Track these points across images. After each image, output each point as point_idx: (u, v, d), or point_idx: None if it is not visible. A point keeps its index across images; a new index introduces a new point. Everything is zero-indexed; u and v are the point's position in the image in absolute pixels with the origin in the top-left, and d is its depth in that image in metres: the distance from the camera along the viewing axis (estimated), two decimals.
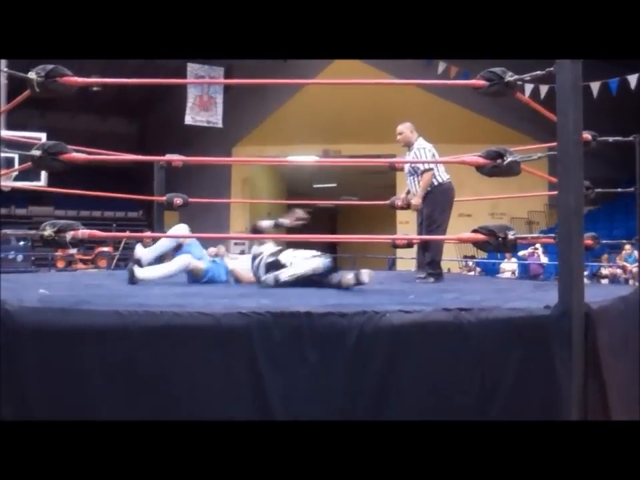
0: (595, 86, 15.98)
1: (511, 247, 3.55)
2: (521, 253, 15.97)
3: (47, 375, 2.93)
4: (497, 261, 16.96)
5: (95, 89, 23.28)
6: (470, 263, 18.01)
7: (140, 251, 5.97)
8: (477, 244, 3.58)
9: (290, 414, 2.96)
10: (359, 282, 4.66)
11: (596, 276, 15.64)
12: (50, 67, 3.71)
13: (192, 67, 21.58)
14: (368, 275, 4.70)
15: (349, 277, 4.72)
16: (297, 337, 3.04)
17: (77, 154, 3.79)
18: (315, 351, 3.02)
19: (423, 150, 6.61)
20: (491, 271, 17.44)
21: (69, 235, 3.53)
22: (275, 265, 5.23)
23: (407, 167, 6.92)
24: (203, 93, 22.27)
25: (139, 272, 5.44)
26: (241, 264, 5.93)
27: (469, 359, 3.08)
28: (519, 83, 3.72)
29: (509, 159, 3.58)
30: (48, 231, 3.52)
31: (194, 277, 5.73)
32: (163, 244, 6.10)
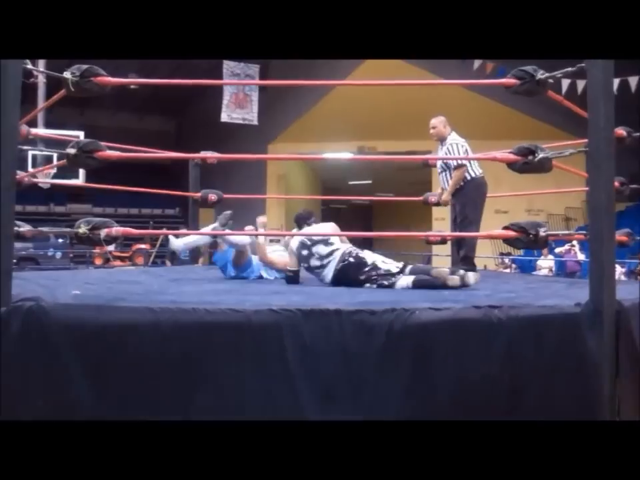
0: (634, 80, 15.77)
1: (542, 244, 3.54)
2: (557, 250, 15.86)
3: (81, 370, 2.97)
4: (534, 258, 16.84)
5: (132, 87, 23.48)
6: (506, 260, 17.90)
7: (175, 242, 6.14)
8: (508, 241, 3.58)
9: (319, 410, 2.98)
10: (464, 284, 4.65)
11: (634, 273, 15.46)
12: (84, 67, 3.78)
13: (228, 65, 21.64)
14: (474, 278, 4.70)
15: (454, 277, 4.72)
16: (327, 334, 3.05)
17: (110, 152, 3.83)
18: (345, 348, 3.03)
19: (455, 145, 6.58)
20: (527, 268, 17.33)
21: (102, 233, 3.58)
22: (359, 264, 5.02)
23: (439, 162, 6.90)
24: (238, 91, 22.33)
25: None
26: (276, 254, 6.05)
27: (499, 356, 3.06)
28: (550, 80, 3.71)
29: (540, 155, 3.56)
30: (82, 229, 3.58)
31: (236, 262, 5.92)
32: (199, 237, 6.25)
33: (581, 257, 15.00)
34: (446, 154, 6.60)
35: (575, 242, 14.73)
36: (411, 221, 23.57)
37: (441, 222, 18.72)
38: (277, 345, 3.02)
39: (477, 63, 18.76)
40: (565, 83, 14.61)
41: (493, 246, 18.89)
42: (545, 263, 16.40)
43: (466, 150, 6.57)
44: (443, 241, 7.20)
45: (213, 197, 7.60)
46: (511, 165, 3.67)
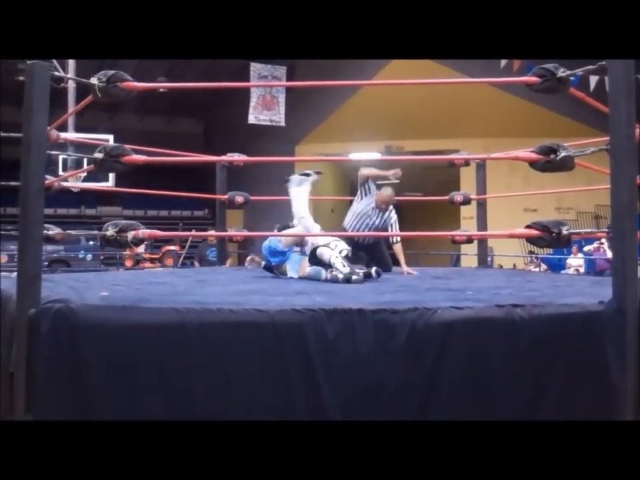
0: None
1: (565, 243, 3.54)
2: (586, 248, 15.76)
3: (109, 370, 3.03)
4: (564, 257, 16.75)
5: (161, 91, 23.64)
6: (535, 259, 17.82)
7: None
8: (531, 239, 3.59)
9: (342, 410, 3.01)
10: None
11: None
12: (110, 72, 3.85)
13: (255, 67, 21.71)
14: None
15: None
16: (350, 334, 3.08)
17: (136, 156, 3.90)
18: (367, 347, 3.06)
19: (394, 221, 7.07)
20: (557, 266, 17.23)
21: (130, 235, 3.64)
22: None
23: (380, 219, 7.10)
24: (265, 93, 22.39)
25: None
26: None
27: (521, 354, 3.08)
28: (572, 78, 3.72)
29: (562, 153, 3.57)
30: (110, 231, 3.64)
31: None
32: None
33: (610, 254, 14.88)
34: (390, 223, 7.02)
35: (603, 240, 14.64)
36: (439, 220, 23.44)
37: (469, 221, 18.60)
38: (300, 344, 3.05)
39: (503, 62, 18.64)
40: (593, 80, 14.54)
41: (522, 245, 18.81)
42: (575, 262, 16.30)
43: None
44: (468, 240, 7.22)
45: (239, 199, 7.67)
46: (532, 164, 3.69)
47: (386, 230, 7.01)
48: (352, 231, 6.98)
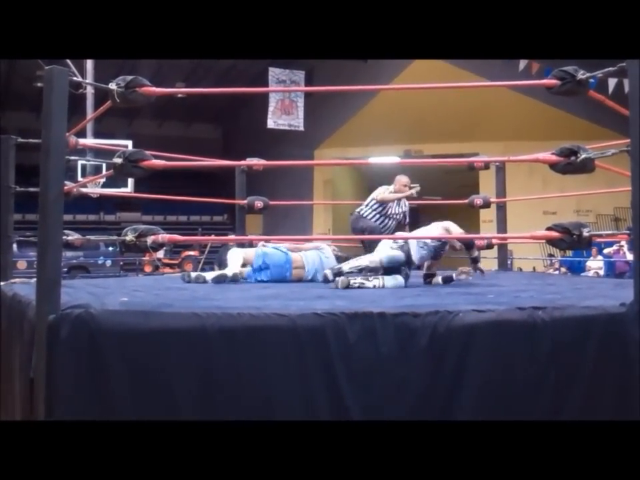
0: None
1: (586, 244, 3.52)
2: (606, 251, 15.66)
3: (129, 375, 3.02)
4: (583, 259, 16.66)
5: (179, 96, 23.76)
6: (555, 262, 17.73)
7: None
8: (552, 241, 3.57)
9: (364, 413, 3.00)
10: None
11: None
12: (129, 77, 3.85)
13: (273, 72, 21.76)
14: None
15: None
16: (371, 337, 3.07)
17: (156, 161, 3.89)
18: (389, 351, 3.05)
19: None
20: (576, 269, 17.13)
21: (149, 240, 3.64)
22: None
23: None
24: (284, 97, 22.42)
25: None
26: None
27: (543, 357, 3.06)
28: (592, 80, 3.69)
29: (583, 155, 3.55)
30: (129, 236, 3.64)
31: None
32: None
33: (630, 257, 14.79)
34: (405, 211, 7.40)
35: (623, 242, 14.54)
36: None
37: (489, 224, 18.54)
38: (322, 348, 3.04)
39: (522, 65, 18.62)
40: (612, 83, 14.46)
41: (541, 248, 18.70)
42: (595, 264, 16.21)
43: None
44: (489, 246, 7.18)
45: (259, 203, 7.66)
46: (553, 166, 3.66)
47: (405, 215, 7.33)
48: (373, 219, 7.28)
